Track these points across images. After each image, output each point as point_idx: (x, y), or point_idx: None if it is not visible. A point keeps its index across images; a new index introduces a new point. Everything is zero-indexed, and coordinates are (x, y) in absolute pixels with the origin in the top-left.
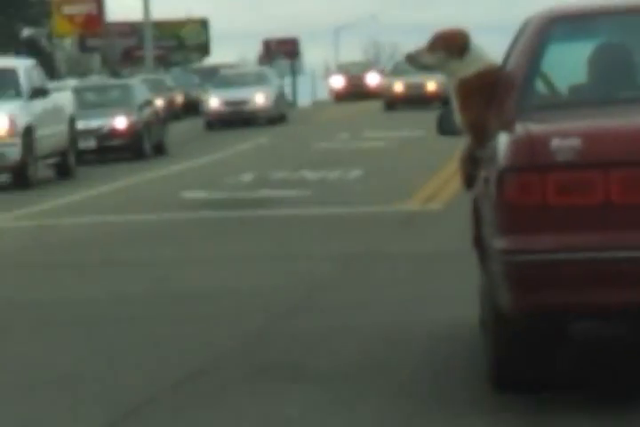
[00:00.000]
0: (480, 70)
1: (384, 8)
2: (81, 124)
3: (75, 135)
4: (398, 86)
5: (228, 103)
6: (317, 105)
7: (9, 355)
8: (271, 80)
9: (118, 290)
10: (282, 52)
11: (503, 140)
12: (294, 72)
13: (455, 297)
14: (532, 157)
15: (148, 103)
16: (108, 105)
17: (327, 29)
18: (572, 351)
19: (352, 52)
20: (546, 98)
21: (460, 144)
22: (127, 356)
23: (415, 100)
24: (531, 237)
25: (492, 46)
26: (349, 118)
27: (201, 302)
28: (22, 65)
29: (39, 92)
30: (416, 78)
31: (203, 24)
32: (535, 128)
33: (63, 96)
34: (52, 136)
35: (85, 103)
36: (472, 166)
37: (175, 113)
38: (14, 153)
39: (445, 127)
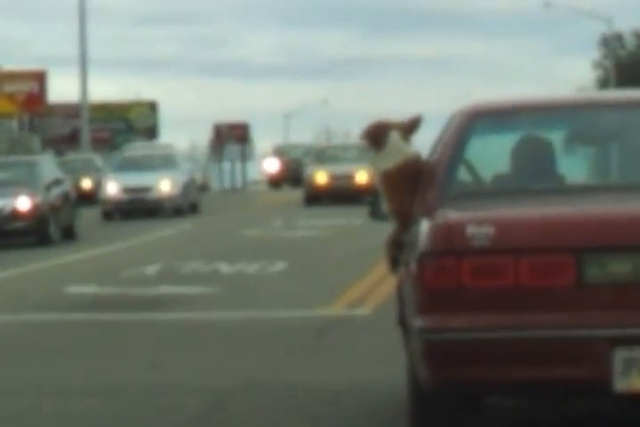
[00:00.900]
0: (400, 162)
1: (335, 95)
2: None
3: None
4: (321, 177)
5: (127, 190)
6: (247, 191)
7: None
8: (179, 164)
9: None
10: (233, 136)
11: (424, 227)
12: (244, 157)
13: None
14: (449, 243)
15: (58, 182)
16: (10, 184)
17: (278, 115)
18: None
19: (303, 138)
20: (467, 187)
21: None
22: None
23: (342, 193)
24: (446, 317)
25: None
26: (284, 205)
27: None
28: None
29: None
30: (343, 167)
31: (151, 107)
32: (453, 215)
33: None
34: None
35: None
36: (397, 250)
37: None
38: None
39: (377, 213)
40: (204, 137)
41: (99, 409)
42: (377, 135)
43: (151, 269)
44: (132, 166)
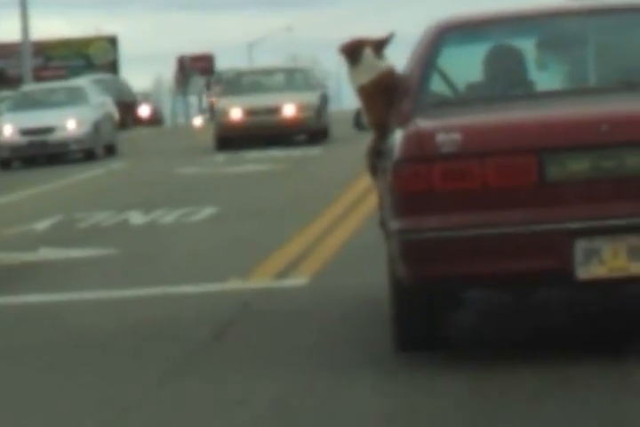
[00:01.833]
0: (375, 77)
1: (300, 24)
2: None
3: None
4: (235, 113)
5: (25, 132)
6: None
7: None
8: (89, 98)
9: None
10: (197, 68)
11: (398, 136)
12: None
13: None
14: (421, 150)
15: None
16: None
17: (242, 45)
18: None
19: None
20: (439, 96)
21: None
22: None
23: (263, 131)
24: (420, 219)
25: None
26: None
27: None
28: None
29: None
30: (265, 99)
31: (111, 42)
32: (424, 124)
33: None
34: None
35: None
36: (376, 158)
37: None
38: None
39: (359, 124)
40: (168, 72)
41: None
42: (352, 51)
43: (42, 226)
44: (32, 104)
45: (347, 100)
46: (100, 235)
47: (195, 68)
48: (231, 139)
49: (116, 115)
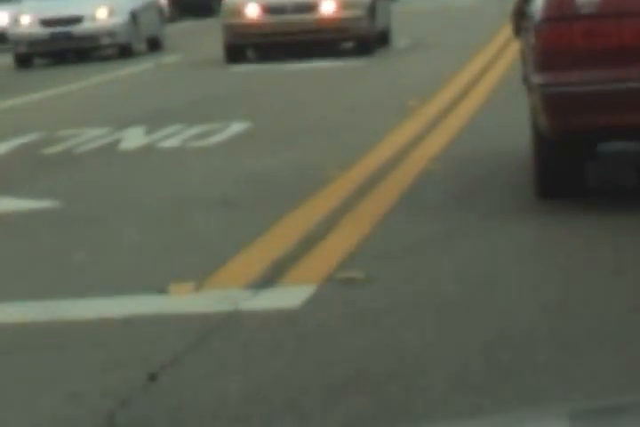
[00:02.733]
0: None
1: None
2: None
3: None
4: (251, 10)
5: (47, 22)
6: None
7: None
8: None
9: None
10: None
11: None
12: None
13: None
14: (562, 11)
15: None
16: None
17: None
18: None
19: None
20: None
21: None
22: None
23: (291, 37)
24: (561, 74)
25: None
26: None
27: None
28: None
29: None
30: None
31: None
32: None
33: None
34: None
35: None
36: (520, 19)
37: None
38: None
39: None
40: None
41: None
42: None
43: (5, 148)
44: None
45: None
46: (67, 165)
47: None
48: (245, 47)
49: (165, 2)
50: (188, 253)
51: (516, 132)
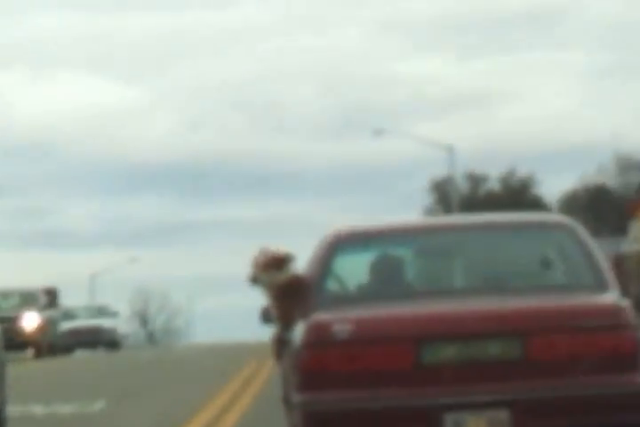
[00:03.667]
0: (287, 279)
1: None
2: None
3: None
4: None
5: None
6: None
7: None
8: None
9: None
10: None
11: (301, 326)
12: None
13: None
14: (319, 337)
15: None
16: None
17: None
18: None
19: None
20: (334, 295)
21: None
22: None
23: None
24: (318, 394)
25: None
26: None
27: None
28: None
29: None
30: None
31: None
32: (322, 317)
33: None
34: None
35: None
36: (280, 345)
37: None
38: None
39: (266, 318)
40: None
41: None
42: (280, 261)
43: None
44: None
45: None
46: None
47: None
48: None
49: None
50: None
51: None
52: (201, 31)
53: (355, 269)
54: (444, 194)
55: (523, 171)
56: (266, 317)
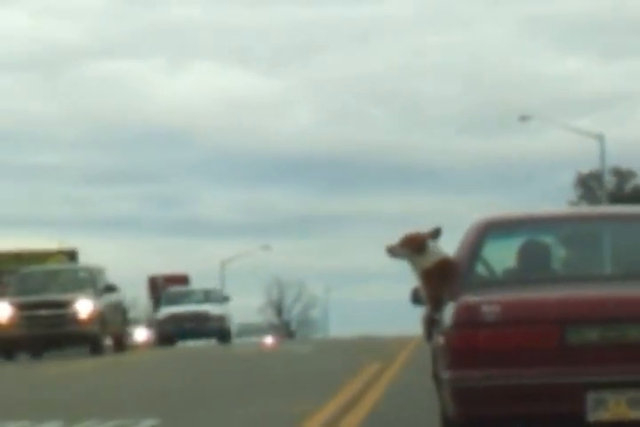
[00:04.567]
0: (435, 262)
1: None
2: None
3: None
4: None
5: None
6: None
7: None
8: None
9: None
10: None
11: (451, 307)
12: None
13: None
14: (469, 318)
15: None
16: None
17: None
18: None
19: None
20: (482, 278)
21: None
22: None
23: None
24: (466, 371)
25: None
26: None
27: None
28: None
29: None
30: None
31: (70, 255)
32: (471, 299)
33: None
34: None
35: None
36: (431, 325)
37: None
38: None
39: (416, 299)
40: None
41: None
42: (419, 243)
43: None
44: None
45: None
46: None
47: (168, 288)
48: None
49: None
50: None
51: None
52: (344, 24)
53: (502, 255)
54: (589, 189)
55: None
56: (415, 297)
